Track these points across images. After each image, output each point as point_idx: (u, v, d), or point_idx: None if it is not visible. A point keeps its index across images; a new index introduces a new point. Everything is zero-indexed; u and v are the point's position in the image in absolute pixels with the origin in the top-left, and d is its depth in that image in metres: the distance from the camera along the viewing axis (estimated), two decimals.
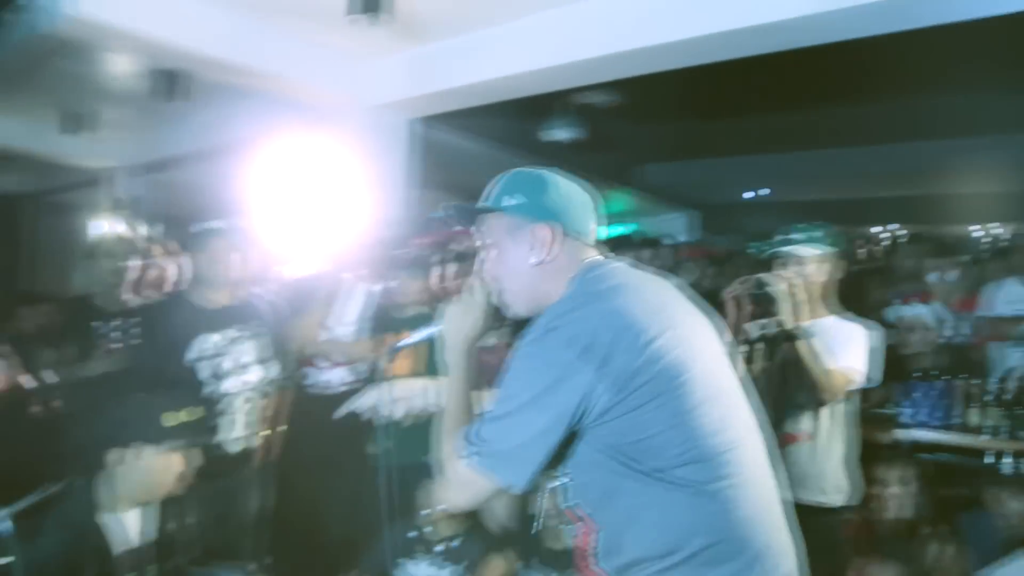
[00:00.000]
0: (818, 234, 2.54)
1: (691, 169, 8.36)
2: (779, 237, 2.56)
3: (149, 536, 2.16)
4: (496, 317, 1.45)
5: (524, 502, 3.30)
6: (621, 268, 1.38)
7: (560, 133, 5.79)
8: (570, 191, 1.43)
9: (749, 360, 2.66)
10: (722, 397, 1.28)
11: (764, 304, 2.41)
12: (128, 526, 2.11)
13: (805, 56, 3.48)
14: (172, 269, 3.28)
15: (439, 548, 2.94)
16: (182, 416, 2.12)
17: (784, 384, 2.51)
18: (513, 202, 1.39)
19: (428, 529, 2.96)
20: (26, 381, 3.36)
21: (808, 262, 2.52)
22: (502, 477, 1.24)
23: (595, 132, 6.09)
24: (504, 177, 1.44)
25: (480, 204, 1.43)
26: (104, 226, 7.52)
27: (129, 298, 3.11)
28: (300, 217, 4.48)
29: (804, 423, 2.51)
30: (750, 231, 7.87)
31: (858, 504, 2.56)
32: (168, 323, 2.63)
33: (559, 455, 1.27)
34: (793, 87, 5.27)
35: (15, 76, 5.65)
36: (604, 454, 1.23)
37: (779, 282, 2.40)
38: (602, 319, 1.23)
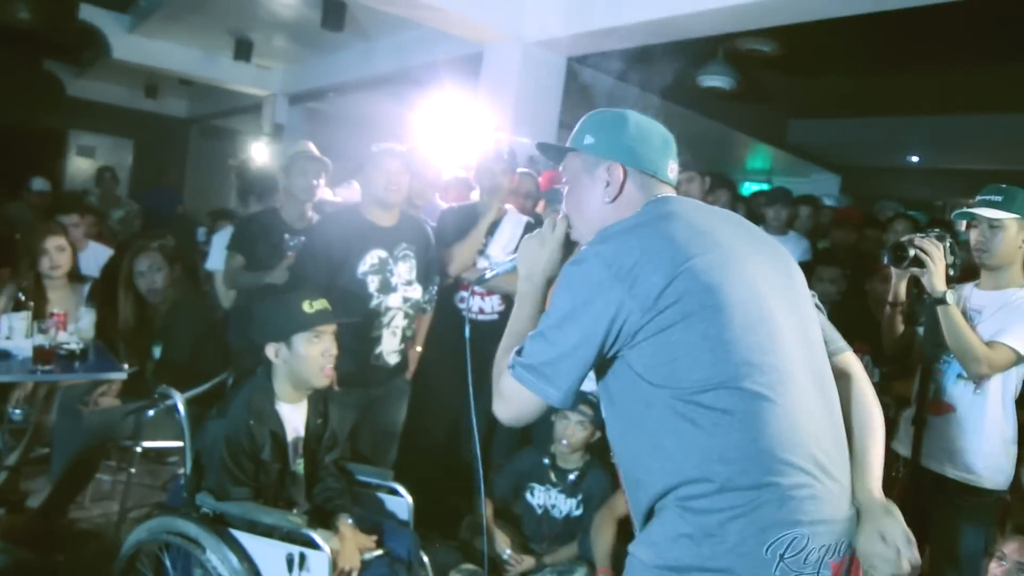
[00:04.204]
0: (1008, 198, 2.36)
1: (844, 129, 7.87)
2: (978, 198, 2.40)
3: (310, 429, 2.35)
4: (571, 252, 1.48)
5: None
6: (684, 200, 1.38)
7: (714, 81, 5.61)
8: (646, 130, 1.44)
9: (909, 322, 2.57)
10: (765, 327, 1.23)
11: (912, 266, 2.32)
12: (293, 416, 2.31)
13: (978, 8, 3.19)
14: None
15: (571, 478, 3.05)
16: (319, 304, 2.27)
17: (936, 351, 2.40)
18: (589, 140, 1.43)
19: (558, 460, 3.07)
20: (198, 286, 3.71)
21: (995, 226, 2.36)
22: (538, 390, 1.27)
23: (750, 83, 5.86)
24: (586, 117, 1.47)
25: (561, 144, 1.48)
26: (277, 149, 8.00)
27: (310, 213, 3.30)
28: (455, 148, 4.61)
29: (954, 395, 2.40)
30: (903, 197, 7.40)
31: (1008, 488, 2.42)
32: (342, 237, 2.80)
33: (600, 381, 1.30)
34: (964, 43, 4.84)
35: (194, 4, 6.05)
36: (636, 379, 1.24)
37: (925, 244, 2.29)
38: (640, 241, 1.24)
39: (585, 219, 1.44)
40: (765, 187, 8.07)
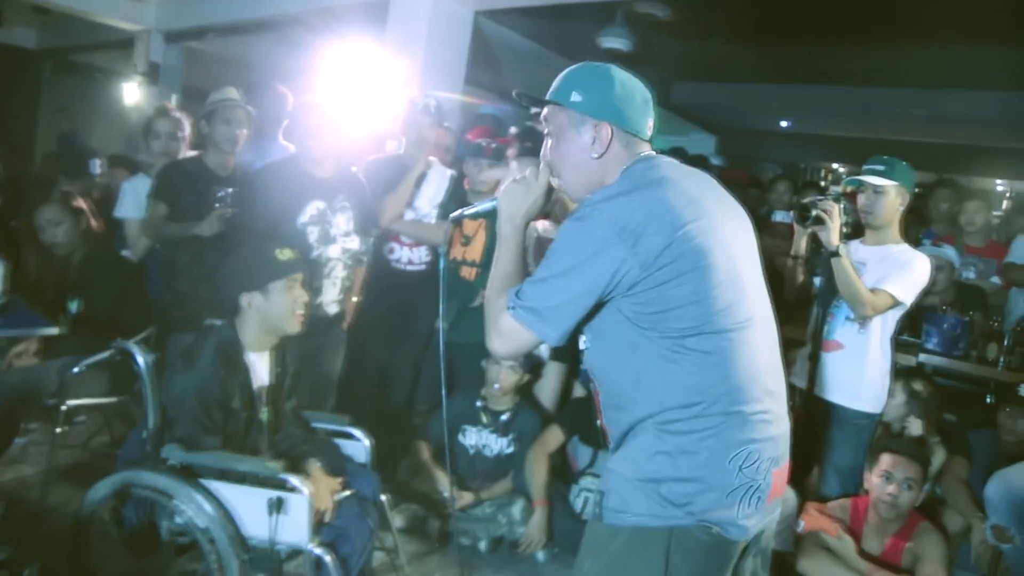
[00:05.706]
0: (890, 167, 2.74)
1: (723, 92, 8.38)
2: (865, 167, 2.76)
3: (274, 378, 2.40)
4: (550, 197, 1.63)
5: (569, 384, 3.61)
6: (669, 162, 1.54)
7: (613, 43, 5.81)
8: (631, 89, 1.54)
9: (811, 273, 2.94)
10: (738, 282, 1.45)
11: (814, 224, 2.66)
12: (259, 365, 2.35)
13: None
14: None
15: (503, 418, 3.24)
16: (290, 252, 2.34)
17: (830, 297, 2.79)
18: (578, 98, 1.51)
19: (489, 402, 3.26)
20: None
21: (879, 192, 2.74)
22: (538, 331, 1.43)
23: (645, 45, 6.11)
24: (571, 71, 1.55)
25: (548, 97, 1.56)
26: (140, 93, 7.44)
27: (236, 162, 3.20)
28: (361, 100, 4.53)
29: (843, 334, 2.80)
30: (772, 159, 8.03)
31: (883, 412, 2.88)
32: (281, 188, 2.79)
33: (587, 321, 1.47)
34: (830, 18, 5.33)
35: None
36: (625, 322, 1.42)
37: (826, 205, 2.64)
38: (642, 204, 1.39)
39: (572, 171, 1.56)
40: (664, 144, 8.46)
